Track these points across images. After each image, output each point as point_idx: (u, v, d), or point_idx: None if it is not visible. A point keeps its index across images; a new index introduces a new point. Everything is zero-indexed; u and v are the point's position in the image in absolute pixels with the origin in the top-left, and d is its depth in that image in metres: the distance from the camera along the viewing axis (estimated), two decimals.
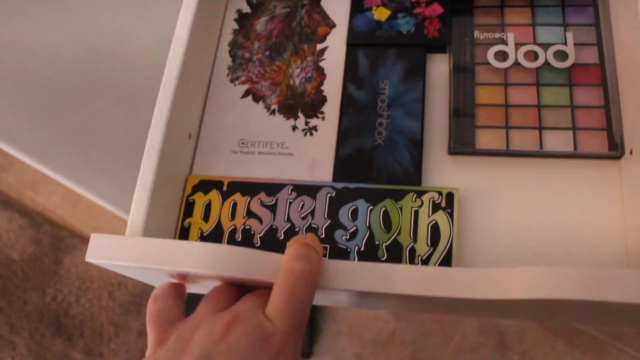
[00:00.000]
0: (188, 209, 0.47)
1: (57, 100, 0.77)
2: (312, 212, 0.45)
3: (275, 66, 0.51)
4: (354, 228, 0.44)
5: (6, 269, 1.31)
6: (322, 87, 0.49)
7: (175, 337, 0.34)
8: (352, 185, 0.45)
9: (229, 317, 0.33)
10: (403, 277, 0.35)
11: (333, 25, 0.52)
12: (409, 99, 0.48)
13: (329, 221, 0.44)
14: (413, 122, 0.47)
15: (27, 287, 1.29)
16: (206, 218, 0.46)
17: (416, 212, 0.43)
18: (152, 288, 0.46)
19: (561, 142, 0.44)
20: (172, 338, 0.34)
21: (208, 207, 0.46)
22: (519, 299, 0.32)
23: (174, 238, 0.46)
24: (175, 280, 0.40)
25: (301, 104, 0.49)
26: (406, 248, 0.43)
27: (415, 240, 0.43)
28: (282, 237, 0.45)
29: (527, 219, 0.44)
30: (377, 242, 0.43)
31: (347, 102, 0.48)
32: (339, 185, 0.45)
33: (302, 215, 0.45)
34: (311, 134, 0.48)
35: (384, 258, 0.43)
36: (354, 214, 0.44)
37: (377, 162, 0.46)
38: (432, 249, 0.42)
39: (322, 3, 0.53)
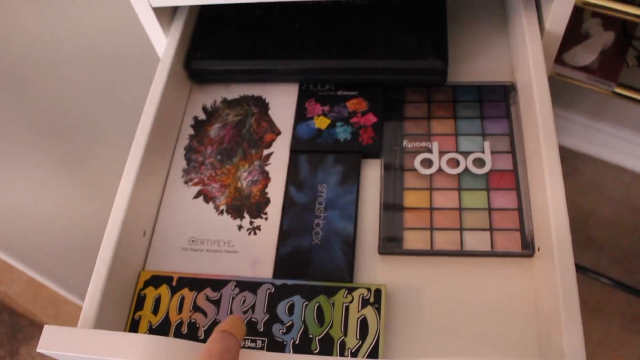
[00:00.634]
0: (139, 303, 0.50)
1: None
2: (253, 307, 0.48)
3: (225, 169, 0.56)
4: (290, 322, 0.47)
5: None
6: (267, 190, 0.54)
7: None
8: (290, 282, 0.49)
9: None
10: None
11: (279, 133, 0.57)
12: (344, 202, 0.52)
13: (268, 316, 0.48)
14: (347, 223, 0.51)
15: None
16: (155, 311, 0.50)
17: (347, 307, 0.47)
18: None
19: (479, 242, 0.49)
20: None
21: (158, 301, 0.50)
22: None
23: (125, 330, 0.49)
24: None
25: (247, 205, 0.54)
26: (337, 341, 0.46)
27: (345, 334, 0.46)
28: None
29: (449, 313, 0.47)
30: (311, 336, 0.47)
31: (288, 203, 0.53)
32: (278, 282, 0.49)
33: (243, 310, 0.48)
34: (255, 234, 0.52)
35: (317, 351, 0.46)
36: (291, 309, 0.48)
37: (314, 261, 0.50)
38: (360, 342, 0.46)
39: (270, 112, 0.58)
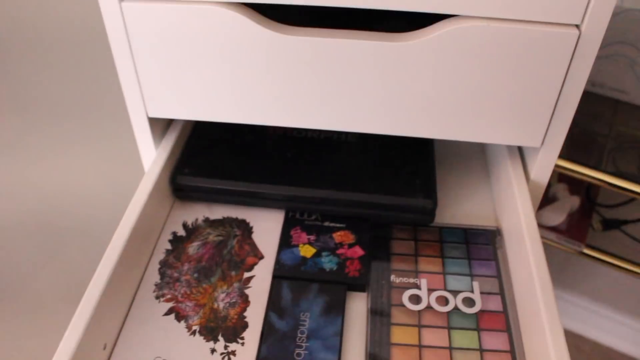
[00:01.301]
0: None
1: None
2: None
3: (201, 288, 0.52)
4: None
5: None
6: (245, 313, 0.50)
7: None
8: None
9: None
10: None
11: (261, 257, 0.55)
12: (328, 333, 0.49)
13: None
14: (330, 355, 0.48)
15: None
16: None
17: None
18: None
19: None
20: None
21: None
22: None
23: None
24: None
25: (223, 328, 0.50)
26: None
27: None
28: None
29: None
30: None
31: (267, 330, 0.49)
32: None
33: None
34: (229, 359, 0.48)
35: None
36: None
37: None
38: None
39: (253, 236, 0.57)
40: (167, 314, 0.51)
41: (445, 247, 0.56)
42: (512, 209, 0.54)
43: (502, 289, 0.52)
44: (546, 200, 0.78)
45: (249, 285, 0.53)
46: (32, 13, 0.71)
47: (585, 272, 1.23)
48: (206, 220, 0.58)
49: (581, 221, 0.76)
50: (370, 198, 0.56)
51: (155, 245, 0.56)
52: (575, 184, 0.79)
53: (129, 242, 0.50)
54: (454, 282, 0.53)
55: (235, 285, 0.53)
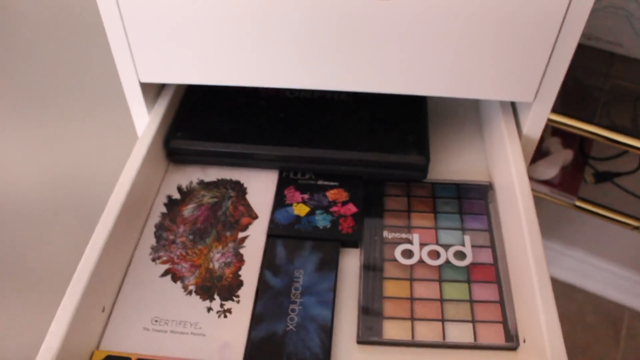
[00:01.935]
0: None
1: None
2: None
3: (197, 250, 0.53)
4: None
5: None
6: (240, 272, 0.51)
7: None
8: None
9: None
10: None
11: (256, 217, 0.56)
12: (322, 288, 0.50)
13: None
14: (325, 310, 0.49)
15: None
16: None
17: None
18: None
19: (462, 333, 0.47)
20: None
21: None
22: None
23: None
24: None
25: (218, 287, 0.51)
26: None
27: None
28: None
29: None
30: None
31: (262, 287, 0.50)
32: None
33: None
34: (225, 316, 0.49)
35: None
36: None
37: (288, 347, 0.47)
38: None
39: (247, 196, 0.57)
40: (163, 275, 0.52)
41: (438, 202, 0.56)
42: (504, 164, 0.54)
43: (493, 242, 0.53)
44: (539, 154, 0.78)
45: (244, 244, 0.54)
46: None
47: (577, 225, 1.25)
48: (201, 182, 0.59)
49: (574, 174, 0.77)
50: (363, 156, 0.57)
51: (151, 209, 0.57)
52: (568, 138, 0.79)
53: (125, 206, 0.50)
54: (445, 236, 0.54)
55: (230, 245, 0.53)
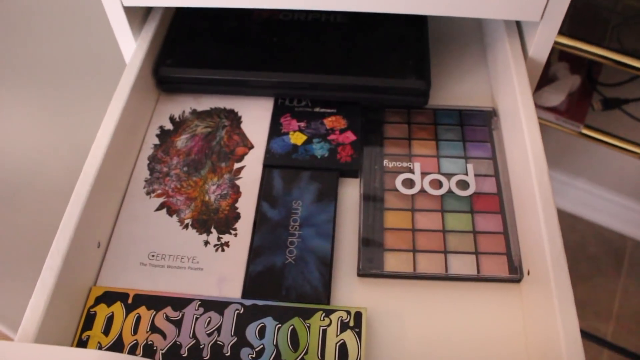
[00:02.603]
0: (88, 321, 0.44)
1: None
2: (219, 329, 0.43)
3: (192, 182, 0.51)
4: (261, 346, 0.43)
5: None
6: (237, 205, 0.50)
7: None
8: (260, 303, 0.44)
9: None
10: None
11: (251, 147, 0.54)
12: (321, 220, 0.49)
13: (236, 339, 0.43)
14: (324, 242, 0.48)
15: None
16: (107, 332, 0.44)
17: (324, 331, 0.43)
18: None
19: (465, 265, 0.46)
20: None
21: (110, 320, 0.44)
22: None
23: None
24: None
25: (215, 220, 0.49)
26: None
27: None
28: (185, 354, 0.43)
29: (434, 338, 0.44)
30: None
31: (260, 220, 0.49)
32: (248, 302, 0.44)
33: (208, 332, 0.43)
34: (223, 250, 0.48)
35: None
36: (262, 332, 0.43)
37: (287, 280, 0.46)
38: None
39: (242, 125, 0.55)
40: (158, 209, 0.50)
41: (440, 129, 0.54)
42: (508, 88, 0.52)
43: (497, 171, 0.51)
44: (545, 80, 0.75)
45: (240, 175, 0.52)
46: None
47: (581, 154, 1.23)
48: (193, 112, 0.56)
49: (581, 101, 0.74)
50: (362, 81, 0.54)
51: (143, 141, 0.55)
52: (576, 63, 0.75)
53: (114, 137, 0.48)
54: (448, 164, 0.52)
55: (226, 176, 0.52)
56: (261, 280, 0.46)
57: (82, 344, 0.43)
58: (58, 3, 0.72)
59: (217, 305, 0.44)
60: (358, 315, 0.43)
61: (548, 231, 0.42)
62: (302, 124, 0.55)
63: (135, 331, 0.44)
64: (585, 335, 1.17)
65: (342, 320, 0.43)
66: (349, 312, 0.44)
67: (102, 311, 0.45)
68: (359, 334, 0.43)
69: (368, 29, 0.58)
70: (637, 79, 0.78)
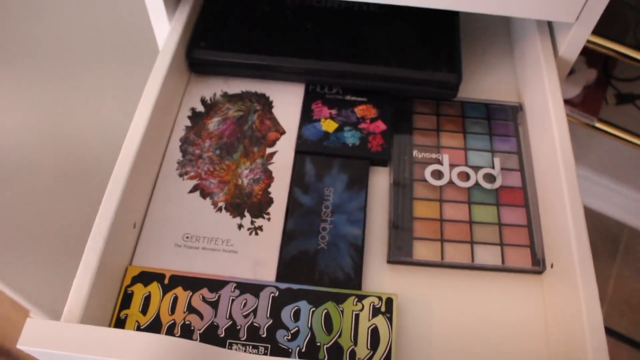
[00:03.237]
0: (125, 300, 0.45)
1: None
2: (255, 311, 0.45)
3: (224, 165, 0.52)
4: (296, 329, 0.44)
5: None
6: (270, 189, 0.51)
7: None
8: (295, 287, 0.46)
9: None
10: None
11: (283, 132, 0.55)
12: (352, 207, 0.50)
13: (271, 321, 0.45)
14: (355, 229, 0.49)
15: None
16: (144, 311, 0.45)
17: (357, 316, 0.45)
18: None
19: (490, 256, 0.48)
20: None
21: (147, 300, 0.45)
22: None
23: None
24: None
25: (248, 204, 0.50)
26: (347, 350, 0.43)
27: (355, 343, 0.44)
28: (222, 335, 0.44)
29: (458, 325, 0.46)
30: (318, 344, 0.44)
31: (292, 205, 0.50)
32: (283, 286, 0.46)
33: (244, 314, 0.45)
34: (256, 234, 0.49)
35: None
36: (296, 315, 0.45)
37: (320, 265, 0.47)
38: (372, 352, 0.43)
39: (274, 110, 0.56)
40: (191, 191, 0.51)
41: (467, 122, 0.56)
42: (538, 85, 0.53)
43: (522, 165, 0.53)
44: None
45: (272, 161, 0.53)
46: None
47: (583, 141, 1.25)
48: (224, 95, 0.57)
49: (596, 95, 0.75)
50: (394, 72, 0.55)
51: (175, 122, 0.55)
52: (593, 56, 0.77)
53: (151, 119, 0.49)
54: (475, 157, 0.53)
55: (258, 161, 0.53)
56: (295, 264, 0.48)
57: (120, 322, 0.45)
58: None
59: (252, 288, 0.46)
60: (389, 301, 0.45)
61: (575, 227, 0.44)
62: (333, 112, 0.56)
63: (173, 311, 0.45)
64: None
65: (374, 306, 0.45)
66: (380, 298, 0.45)
67: (139, 291, 0.46)
68: (390, 319, 0.45)
69: (400, 20, 0.58)
70: None
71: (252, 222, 0.50)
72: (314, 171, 0.52)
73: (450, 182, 0.52)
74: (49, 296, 0.91)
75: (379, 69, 0.55)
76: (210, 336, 0.44)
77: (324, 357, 0.43)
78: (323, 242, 0.49)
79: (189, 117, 0.56)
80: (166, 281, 0.46)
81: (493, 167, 0.52)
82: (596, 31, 0.66)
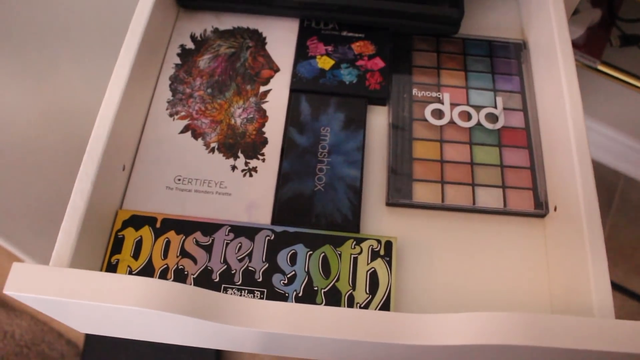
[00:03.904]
0: (116, 245, 0.44)
1: None
2: (250, 255, 0.44)
3: (216, 104, 0.50)
4: (293, 273, 0.43)
5: None
6: (264, 129, 0.49)
7: None
8: (291, 230, 0.44)
9: None
10: (346, 321, 0.34)
11: (277, 70, 0.52)
12: (350, 148, 0.49)
13: (267, 265, 0.43)
14: (353, 170, 0.48)
15: None
16: (136, 256, 0.44)
17: (355, 259, 0.44)
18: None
19: (492, 199, 0.47)
20: None
21: (139, 244, 0.44)
22: (465, 344, 0.33)
23: None
24: None
25: (242, 144, 0.48)
26: (345, 295, 0.42)
27: (354, 287, 0.43)
28: (217, 279, 0.43)
29: (460, 269, 0.45)
30: (315, 288, 0.43)
31: (288, 145, 0.48)
32: (279, 229, 0.44)
33: (239, 257, 0.44)
34: (251, 175, 0.47)
35: (323, 304, 0.42)
36: (293, 259, 0.43)
37: (317, 208, 0.46)
38: (370, 296, 0.42)
39: (267, 47, 0.53)
40: (182, 132, 0.49)
41: (469, 60, 0.53)
42: (543, 21, 0.51)
43: (525, 106, 0.51)
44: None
45: (266, 99, 0.51)
46: None
47: (588, 88, 1.22)
48: (215, 30, 0.54)
49: (599, 36, 0.73)
50: (393, 5, 0.52)
51: (164, 60, 0.53)
52: None
53: (138, 56, 0.46)
54: (477, 97, 0.51)
55: (252, 100, 0.51)
56: (291, 206, 0.46)
57: (111, 268, 0.43)
58: None
59: (247, 231, 0.44)
60: (388, 245, 0.44)
61: (581, 170, 0.42)
62: (330, 48, 0.53)
63: (165, 256, 0.44)
64: None
65: (372, 249, 0.44)
66: (379, 241, 0.44)
67: (130, 235, 0.44)
68: (389, 263, 0.43)
69: None
70: None
71: (246, 163, 0.48)
72: (309, 110, 0.50)
73: (451, 122, 0.50)
74: (44, 246, 0.90)
75: (377, 2, 0.52)
76: (205, 281, 0.43)
77: (322, 301, 0.42)
78: (320, 184, 0.47)
79: (179, 55, 0.53)
80: (158, 225, 0.45)
81: (495, 107, 0.51)
82: None
